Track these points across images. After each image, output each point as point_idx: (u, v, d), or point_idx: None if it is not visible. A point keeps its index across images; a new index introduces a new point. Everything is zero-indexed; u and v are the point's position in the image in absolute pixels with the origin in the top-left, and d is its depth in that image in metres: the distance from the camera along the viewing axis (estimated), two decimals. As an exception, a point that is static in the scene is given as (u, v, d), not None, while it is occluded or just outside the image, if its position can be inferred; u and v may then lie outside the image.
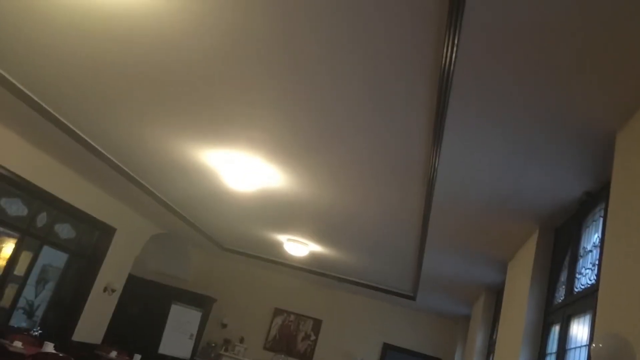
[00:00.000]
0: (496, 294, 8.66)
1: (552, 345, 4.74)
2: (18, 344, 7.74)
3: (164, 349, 11.85)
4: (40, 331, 9.19)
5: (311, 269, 12.50)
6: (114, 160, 7.45)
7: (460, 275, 8.57)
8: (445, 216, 5.95)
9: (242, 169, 6.35)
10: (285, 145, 5.42)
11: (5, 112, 6.53)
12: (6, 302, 8.80)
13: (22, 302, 9.23)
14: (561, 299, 4.72)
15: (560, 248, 5.07)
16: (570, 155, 3.87)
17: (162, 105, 5.21)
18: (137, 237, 11.35)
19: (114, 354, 10.19)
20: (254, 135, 5.36)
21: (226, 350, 13.68)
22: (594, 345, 2.56)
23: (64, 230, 9.67)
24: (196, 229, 11.09)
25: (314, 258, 11.21)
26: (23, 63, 5.09)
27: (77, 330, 10.11)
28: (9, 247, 8.52)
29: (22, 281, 9.00)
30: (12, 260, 8.57)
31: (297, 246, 10.06)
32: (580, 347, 4.02)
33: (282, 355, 13.73)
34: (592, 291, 3.80)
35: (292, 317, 14.13)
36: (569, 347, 4.29)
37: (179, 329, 12.14)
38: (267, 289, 14.32)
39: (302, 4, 3.20)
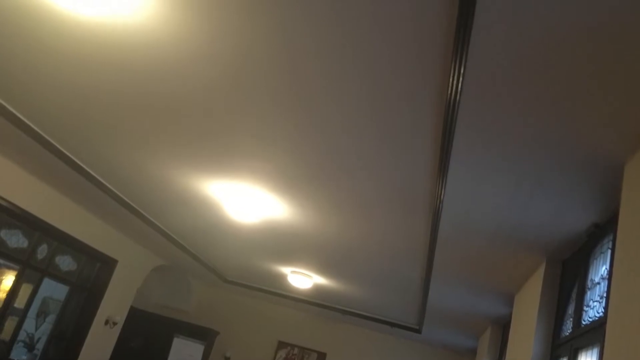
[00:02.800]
0: (502, 326, 8.59)
1: (560, 380, 4.67)
2: (17, 377, 7.67)
3: (166, 382, 11.74)
4: (40, 365, 9.12)
5: (315, 301, 12.42)
6: (115, 191, 7.41)
7: (466, 308, 8.50)
8: (451, 248, 5.89)
9: (244, 201, 6.31)
10: (288, 176, 5.38)
11: (5, 143, 6.51)
12: (6, 335, 8.72)
13: (22, 335, 9.16)
14: (568, 332, 4.65)
15: (568, 280, 5.00)
16: (577, 186, 3.81)
17: (164, 135, 5.17)
18: (138, 269, 11.28)
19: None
20: (257, 166, 5.32)
21: (229, 384, 13.55)
22: (603, 380, 2.49)
23: (65, 262, 9.60)
24: (198, 261, 11.03)
25: (318, 290, 11.15)
26: (23, 93, 5.07)
27: (78, 363, 10.00)
28: (9, 279, 8.46)
29: (23, 314, 8.93)
30: (12, 292, 8.50)
31: (301, 278, 9.99)
32: (588, 381, 3.95)
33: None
34: (599, 324, 3.74)
35: (295, 350, 13.98)
36: (577, 382, 4.22)
37: (182, 362, 12.02)
38: (270, 321, 14.21)
39: (306, 37, 3.17)
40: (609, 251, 3.96)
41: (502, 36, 2.64)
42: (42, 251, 8.97)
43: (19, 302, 8.81)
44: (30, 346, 9.45)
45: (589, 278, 4.44)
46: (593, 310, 4.11)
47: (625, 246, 3.14)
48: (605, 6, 2.30)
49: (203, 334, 12.93)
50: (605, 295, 3.83)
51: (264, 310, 14.28)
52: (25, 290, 8.87)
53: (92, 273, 10.33)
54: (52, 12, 3.65)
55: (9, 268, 8.46)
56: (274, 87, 3.82)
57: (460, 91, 3.15)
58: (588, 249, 4.55)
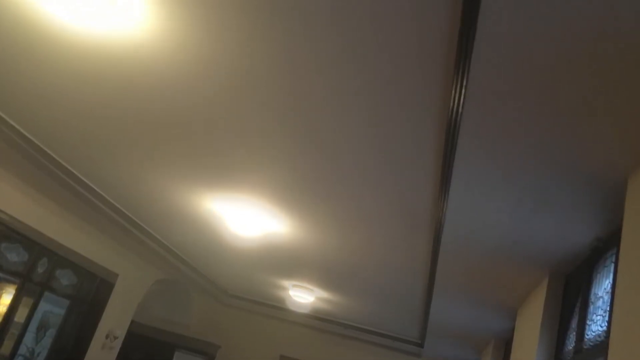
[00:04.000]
0: (505, 341, 8.55)
1: (563, 395, 4.63)
2: (17, 393, 7.62)
3: (167, 398, 11.69)
4: (40, 380, 9.06)
5: (317, 315, 12.39)
6: (116, 205, 7.40)
7: (468, 323, 8.46)
8: (453, 263, 5.86)
9: (246, 215, 6.29)
10: (290, 192, 5.36)
11: (5, 156, 6.49)
12: (6, 349, 8.66)
13: (22, 350, 9.09)
14: (571, 346, 4.61)
15: (571, 294, 4.97)
16: (580, 200, 3.79)
17: (165, 150, 5.16)
18: (139, 283, 11.23)
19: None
20: (259, 181, 5.31)
21: (230, 399, 13.48)
22: (607, 395, 2.46)
23: (65, 277, 9.54)
24: (200, 275, 11.01)
25: (319, 305, 11.10)
26: (24, 107, 5.07)
27: (78, 378, 9.94)
28: (9, 293, 8.41)
29: (23, 328, 8.87)
30: (12, 307, 8.45)
31: (303, 292, 9.95)
32: (592, 396, 3.91)
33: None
34: (603, 338, 3.71)
35: (297, 365, 13.94)
36: (580, 397, 4.18)
37: (183, 377, 11.97)
38: (272, 335, 14.14)
39: (308, 52, 3.16)
40: (612, 265, 3.93)
41: (505, 49, 2.63)
42: (42, 265, 8.92)
43: (19, 317, 8.75)
44: (30, 360, 9.41)
45: (592, 292, 4.41)
46: (596, 324, 4.08)
47: (629, 260, 3.12)
48: (610, 19, 2.28)
49: (204, 349, 12.88)
50: (608, 309, 3.80)
51: (266, 325, 14.22)
52: (25, 304, 8.81)
53: (93, 287, 10.27)
54: (51, 27, 3.65)
55: (9, 282, 8.41)
56: (275, 102, 3.81)
57: (462, 106, 3.13)
58: (591, 263, 4.51)
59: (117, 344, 10.97)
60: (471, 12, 2.45)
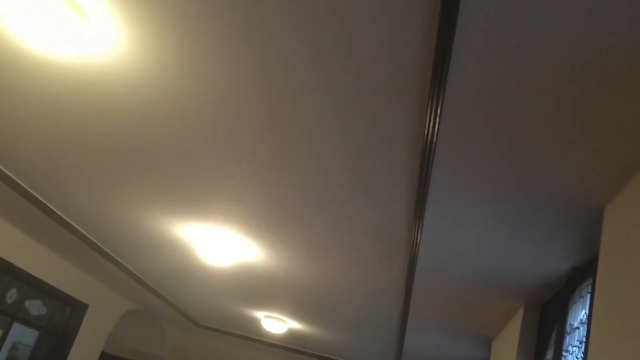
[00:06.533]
0: (480, 372, 8.53)
1: None
2: None
3: None
4: (7, 413, 8.89)
5: (290, 346, 12.32)
6: (86, 234, 7.30)
7: (443, 353, 8.44)
8: (428, 292, 5.83)
9: (218, 244, 6.23)
10: (263, 219, 5.32)
11: (-26, 185, 6.39)
12: (-27, 382, 8.52)
13: (-10, 382, 8.94)
14: (548, 378, 4.59)
15: (547, 325, 4.96)
16: (557, 229, 3.79)
17: (136, 177, 5.10)
18: (110, 313, 11.09)
19: None
20: (231, 209, 5.26)
21: None
22: None
23: (35, 307, 9.40)
24: (171, 305, 10.89)
25: (292, 335, 11.03)
26: (-7, 134, 4.99)
27: (47, 412, 9.75)
28: (-23, 324, 8.28)
29: (-9, 360, 8.73)
30: (-19, 338, 8.32)
31: (275, 323, 9.89)
32: None
33: None
34: (579, 370, 3.69)
35: (270, 397, 13.79)
36: None
37: (154, 410, 11.80)
38: (245, 367, 14.02)
39: (283, 82, 3.14)
40: (588, 295, 3.93)
41: (481, 78, 2.61)
42: (12, 295, 8.78)
43: (-13, 348, 8.62)
44: (-2, 393, 9.24)
45: (568, 323, 4.40)
46: (572, 355, 4.07)
47: (605, 290, 3.10)
48: (589, 49, 2.27)
49: (176, 380, 12.73)
50: (584, 340, 3.78)
51: (239, 356, 14.08)
52: (-6, 335, 8.69)
53: (63, 318, 10.13)
54: (20, 52, 3.59)
55: (-23, 313, 8.29)
56: (249, 130, 3.78)
57: (437, 133, 3.11)
58: (567, 293, 4.51)
59: (87, 376, 10.82)
60: (446, 42, 2.44)
